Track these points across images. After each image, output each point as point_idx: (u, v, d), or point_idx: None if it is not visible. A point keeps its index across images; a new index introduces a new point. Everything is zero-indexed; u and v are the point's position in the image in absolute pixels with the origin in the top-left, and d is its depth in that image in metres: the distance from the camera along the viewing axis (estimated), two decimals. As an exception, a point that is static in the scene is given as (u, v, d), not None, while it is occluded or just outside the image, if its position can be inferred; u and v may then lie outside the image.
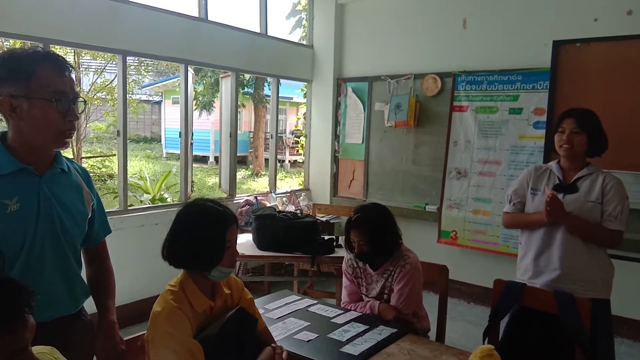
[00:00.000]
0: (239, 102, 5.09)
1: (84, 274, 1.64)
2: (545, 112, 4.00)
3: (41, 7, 3.25)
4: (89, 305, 1.65)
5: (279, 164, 5.75)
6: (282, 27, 11.85)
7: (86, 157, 11.40)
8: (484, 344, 2.09)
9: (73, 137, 1.48)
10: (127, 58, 3.86)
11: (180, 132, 4.37)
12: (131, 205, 4.23)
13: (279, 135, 5.82)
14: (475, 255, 4.48)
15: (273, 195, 5.19)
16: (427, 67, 4.71)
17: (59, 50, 4.18)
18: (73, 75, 1.44)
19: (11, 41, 8.50)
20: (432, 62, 4.68)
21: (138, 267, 3.77)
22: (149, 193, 7.70)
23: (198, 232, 1.56)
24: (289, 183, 11.98)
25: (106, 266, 1.72)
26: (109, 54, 8.50)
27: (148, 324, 1.53)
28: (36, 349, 1.03)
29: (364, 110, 5.16)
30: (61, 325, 1.48)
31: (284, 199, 5.21)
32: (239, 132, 5.33)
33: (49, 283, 1.44)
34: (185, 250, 1.55)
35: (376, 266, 2.40)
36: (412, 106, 4.68)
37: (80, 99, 1.45)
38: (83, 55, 10.07)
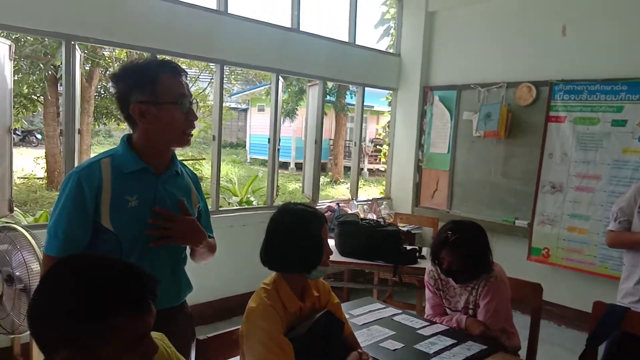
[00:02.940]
0: (323, 110, 5.17)
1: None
2: (654, 125, 3.68)
3: (149, 20, 3.53)
4: (190, 298, 1.75)
5: (358, 172, 5.77)
6: (370, 36, 11.93)
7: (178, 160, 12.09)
8: (581, 369, 1.97)
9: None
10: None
11: (269, 139, 4.53)
12: (221, 206, 4.45)
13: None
14: (568, 275, 4.20)
15: (355, 202, 5.21)
16: (521, 75, 4.52)
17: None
18: (187, 79, 1.55)
19: (116, 50, 9.31)
20: (527, 70, 4.49)
21: (225, 267, 3.94)
22: (237, 196, 8.03)
23: (297, 235, 1.61)
24: (367, 191, 11.96)
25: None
26: (202, 63, 9.03)
27: (243, 318, 1.60)
28: (150, 335, 1.10)
29: (451, 119, 5.05)
30: (166, 315, 1.58)
31: (365, 206, 5.21)
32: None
33: (160, 276, 1.55)
34: (286, 254, 1.61)
35: (459, 280, 2.33)
36: (503, 116, 4.50)
37: (194, 100, 1.56)
38: (180, 64, 10.75)
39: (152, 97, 1.46)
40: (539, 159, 4.30)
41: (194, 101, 1.56)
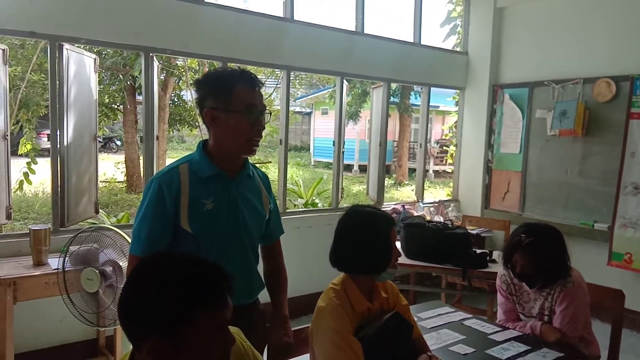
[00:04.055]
0: (387, 112, 5.14)
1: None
2: None
3: (219, 30, 3.68)
4: (262, 297, 1.81)
5: (423, 174, 5.65)
6: (436, 36, 11.71)
7: (250, 163, 12.48)
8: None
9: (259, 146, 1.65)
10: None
11: (333, 141, 4.57)
12: (288, 208, 4.54)
13: (425, 144, 5.74)
14: (655, 283, 3.91)
15: (420, 204, 5.14)
16: (598, 70, 4.26)
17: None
18: (262, 91, 1.61)
19: (189, 60, 9.75)
20: (605, 64, 4.23)
21: (293, 267, 3.94)
22: (302, 198, 8.17)
23: (366, 237, 1.63)
24: (433, 193, 11.72)
25: (281, 264, 1.88)
26: (269, 69, 9.26)
27: (312, 317, 1.64)
28: (227, 328, 1.16)
29: (523, 118, 4.85)
30: (239, 312, 1.65)
31: (432, 209, 5.12)
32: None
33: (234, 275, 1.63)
34: (355, 256, 1.64)
35: (534, 284, 2.23)
36: (580, 113, 4.26)
37: (267, 111, 1.62)
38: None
39: (224, 104, 1.54)
40: (620, 159, 4.03)
41: (266, 111, 1.61)
